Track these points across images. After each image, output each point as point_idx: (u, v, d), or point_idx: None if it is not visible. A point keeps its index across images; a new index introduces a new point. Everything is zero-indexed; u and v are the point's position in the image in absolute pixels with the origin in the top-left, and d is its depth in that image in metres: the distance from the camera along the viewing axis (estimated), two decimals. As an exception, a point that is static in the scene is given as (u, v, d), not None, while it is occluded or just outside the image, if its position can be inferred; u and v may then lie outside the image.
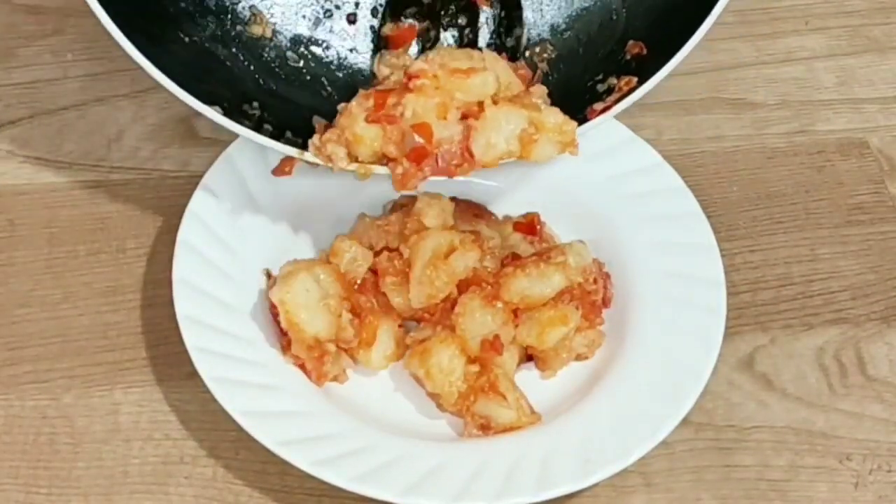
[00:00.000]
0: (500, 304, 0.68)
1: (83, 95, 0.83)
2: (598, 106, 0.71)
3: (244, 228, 0.72)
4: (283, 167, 0.71)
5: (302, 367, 0.68)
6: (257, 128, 0.69)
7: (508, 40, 0.75)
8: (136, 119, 0.82)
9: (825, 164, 0.82)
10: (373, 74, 0.75)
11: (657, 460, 0.67)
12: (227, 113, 0.68)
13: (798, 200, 0.80)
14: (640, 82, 0.70)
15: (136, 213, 0.77)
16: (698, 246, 0.73)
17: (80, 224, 0.76)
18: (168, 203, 0.77)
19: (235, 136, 0.75)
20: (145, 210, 0.77)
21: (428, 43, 0.75)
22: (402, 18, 0.75)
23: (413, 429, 0.67)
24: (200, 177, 0.73)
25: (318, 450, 0.63)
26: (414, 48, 0.76)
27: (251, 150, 0.74)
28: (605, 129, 0.77)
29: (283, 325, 0.67)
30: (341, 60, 0.76)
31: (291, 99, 0.73)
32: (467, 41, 0.75)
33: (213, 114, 0.67)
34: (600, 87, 0.72)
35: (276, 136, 0.69)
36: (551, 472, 0.63)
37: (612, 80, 0.72)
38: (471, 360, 0.67)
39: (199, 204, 0.72)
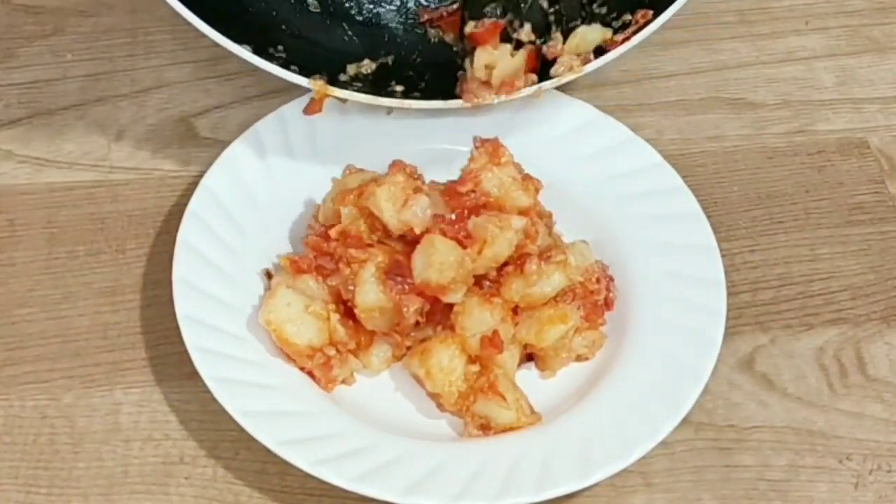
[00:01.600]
0: (498, 301, 0.68)
1: (83, 95, 0.83)
2: (619, 37, 0.74)
3: (244, 228, 0.72)
4: (313, 106, 0.74)
5: (310, 374, 0.68)
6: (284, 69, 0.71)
7: (598, 7, 0.77)
8: (136, 119, 0.82)
9: (825, 164, 0.82)
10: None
11: (657, 460, 0.67)
12: (256, 54, 0.70)
13: (798, 200, 0.80)
14: (656, 15, 0.73)
15: (136, 213, 0.77)
16: (698, 246, 0.73)
17: (80, 224, 0.76)
18: (168, 203, 0.77)
19: (235, 136, 0.75)
20: (145, 210, 0.77)
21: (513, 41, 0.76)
22: (484, 16, 0.76)
23: (413, 429, 0.67)
24: (200, 177, 0.73)
25: (318, 450, 0.63)
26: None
27: (251, 149, 0.74)
28: (605, 129, 0.77)
29: (277, 343, 0.67)
30: (361, 6, 0.78)
31: (316, 41, 0.76)
32: (556, 20, 0.76)
33: (244, 53, 0.70)
34: (615, 25, 0.75)
35: (305, 76, 0.72)
36: (551, 472, 0.63)
37: (627, 17, 0.74)
38: (471, 360, 0.67)
39: (199, 204, 0.72)
